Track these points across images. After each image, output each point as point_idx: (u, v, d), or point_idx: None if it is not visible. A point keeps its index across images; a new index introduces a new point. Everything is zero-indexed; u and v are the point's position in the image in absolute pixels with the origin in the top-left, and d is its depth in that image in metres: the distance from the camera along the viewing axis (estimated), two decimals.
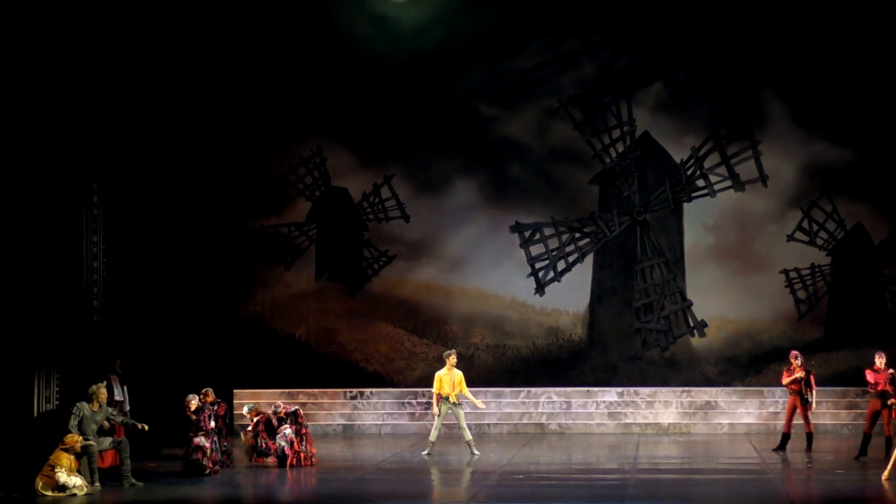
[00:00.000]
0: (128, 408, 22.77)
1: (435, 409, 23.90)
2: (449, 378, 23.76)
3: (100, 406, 20.56)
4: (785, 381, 23.96)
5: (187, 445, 21.52)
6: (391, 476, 21.86)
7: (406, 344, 29.17)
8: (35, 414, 21.73)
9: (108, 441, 20.59)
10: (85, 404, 20.40)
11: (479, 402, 24.28)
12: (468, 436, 23.86)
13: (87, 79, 23.52)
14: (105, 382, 21.36)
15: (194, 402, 21.74)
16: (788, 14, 27.65)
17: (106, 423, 20.56)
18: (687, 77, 28.77)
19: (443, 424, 23.78)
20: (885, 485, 19.60)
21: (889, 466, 19.94)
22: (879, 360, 22.64)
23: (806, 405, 23.77)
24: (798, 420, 24.05)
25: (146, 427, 20.96)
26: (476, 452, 23.70)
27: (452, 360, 23.89)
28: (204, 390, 22.06)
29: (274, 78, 28.50)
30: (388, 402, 28.35)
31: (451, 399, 23.71)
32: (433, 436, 23.95)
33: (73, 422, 20.19)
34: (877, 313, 28.38)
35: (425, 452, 23.84)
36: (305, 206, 29.55)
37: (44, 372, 21.88)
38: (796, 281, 28.57)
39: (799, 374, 23.68)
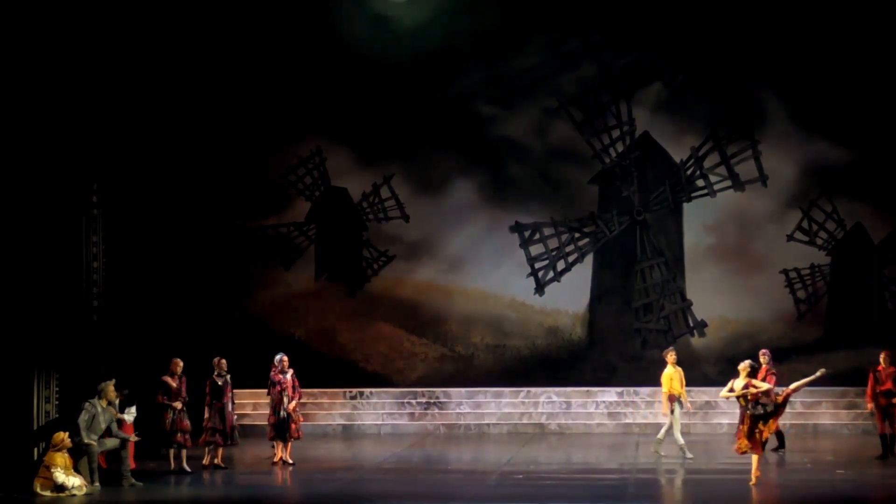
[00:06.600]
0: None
1: (666, 410, 22.88)
2: (678, 376, 22.92)
3: (109, 403, 20.57)
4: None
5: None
6: (391, 476, 21.85)
7: (406, 344, 29.17)
8: (34, 413, 21.70)
9: (113, 441, 20.55)
10: (97, 401, 20.39)
11: (688, 404, 23.44)
12: (682, 439, 22.89)
13: (87, 81, 23.48)
14: (113, 380, 21.36)
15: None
16: (788, 14, 27.65)
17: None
18: (687, 77, 28.78)
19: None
20: (880, 484, 19.62)
21: (753, 471, 19.82)
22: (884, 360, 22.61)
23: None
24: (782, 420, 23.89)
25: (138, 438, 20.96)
26: (689, 455, 22.70)
27: (673, 357, 22.97)
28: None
29: (274, 78, 28.49)
30: (388, 402, 28.31)
31: (682, 398, 22.88)
32: (680, 438, 22.82)
33: (85, 416, 20.15)
34: (877, 313, 28.37)
35: (689, 456, 22.64)
36: (305, 206, 29.56)
37: (43, 372, 21.84)
38: (796, 281, 28.57)
39: (760, 385, 23.40)
